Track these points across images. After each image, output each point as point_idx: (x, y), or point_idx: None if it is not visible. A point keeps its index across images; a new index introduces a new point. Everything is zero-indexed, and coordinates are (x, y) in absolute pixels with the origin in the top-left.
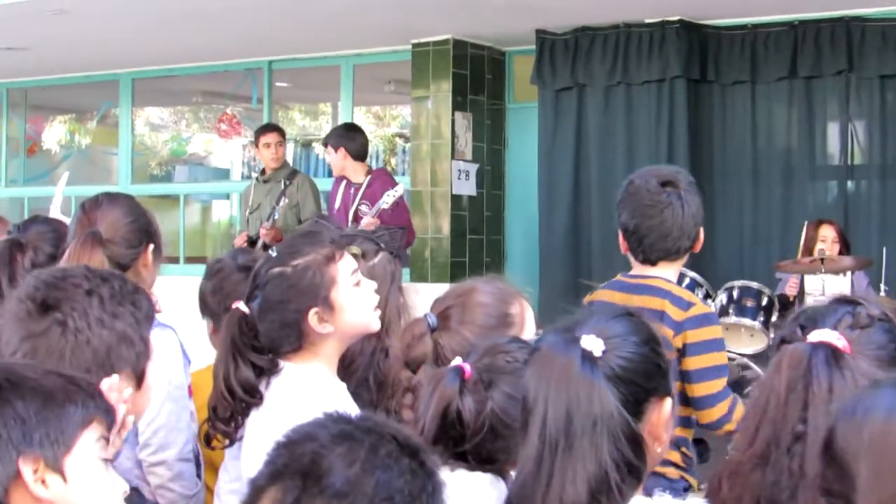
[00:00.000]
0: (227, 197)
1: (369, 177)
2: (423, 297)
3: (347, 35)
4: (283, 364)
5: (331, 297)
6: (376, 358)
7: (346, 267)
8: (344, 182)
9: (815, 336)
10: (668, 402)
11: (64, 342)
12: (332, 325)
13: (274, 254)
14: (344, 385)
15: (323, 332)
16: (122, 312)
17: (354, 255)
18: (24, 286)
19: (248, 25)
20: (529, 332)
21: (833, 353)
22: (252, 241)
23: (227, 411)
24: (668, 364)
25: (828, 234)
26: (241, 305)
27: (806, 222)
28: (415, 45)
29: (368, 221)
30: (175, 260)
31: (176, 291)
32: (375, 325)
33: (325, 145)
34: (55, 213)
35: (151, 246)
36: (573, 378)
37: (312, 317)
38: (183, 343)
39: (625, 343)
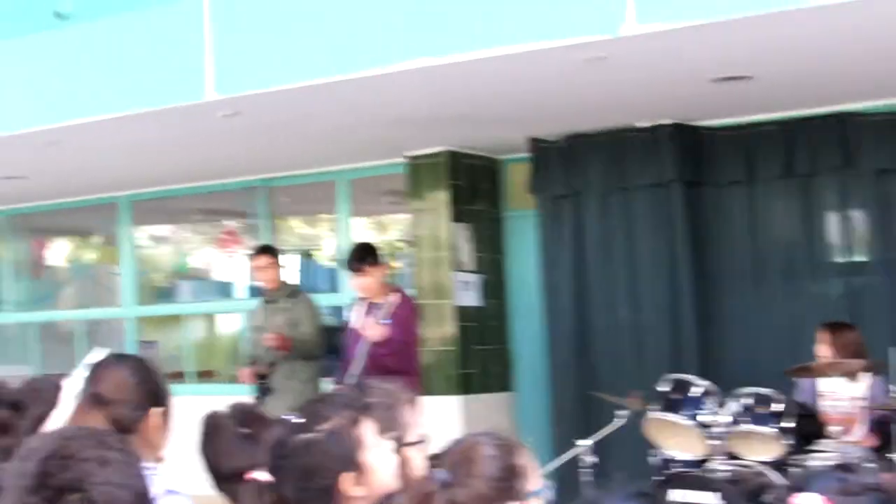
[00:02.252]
0: (233, 312)
1: (388, 297)
2: (433, 411)
3: (342, 151)
4: None
5: (361, 460)
6: None
7: (369, 426)
8: (363, 303)
9: (800, 500)
10: None
11: None
12: (364, 487)
13: (294, 420)
14: None
15: (356, 496)
16: (136, 471)
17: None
18: (24, 468)
19: (243, 146)
20: (535, 482)
21: None
22: (257, 361)
23: None
24: None
25: (821, 339)
26: (259, 475)
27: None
28: (409, 159)
29: (369, 325)
30: (182, 376)
31: (185, 411)
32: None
33: (351, 270)
34: (74, 381)
35: (159, 408)
36: None
37: (346, 482)
38: None
39: None
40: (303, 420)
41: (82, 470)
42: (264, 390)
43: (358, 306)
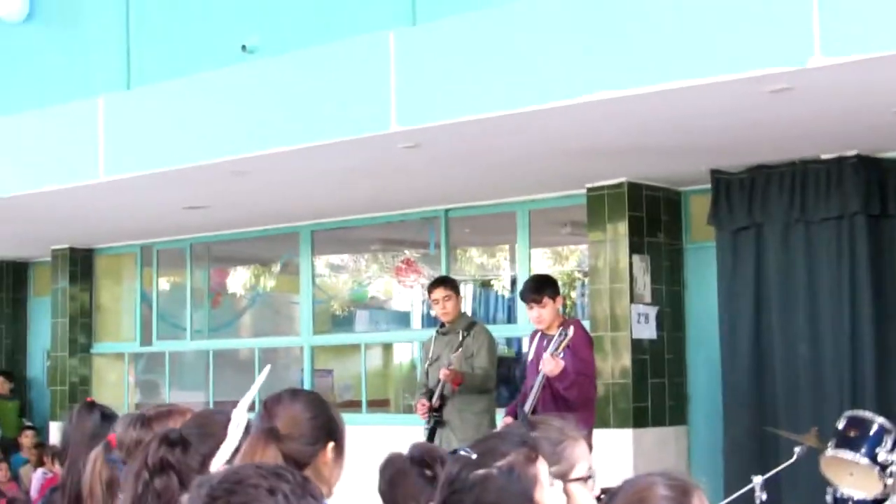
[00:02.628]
0: (409, 341)
1: (561, 328)
2: (605, 443)
3: (521, 182)
4: None
5: (536, 498)
6: None
7: (543, 465)
8: (539, 334)
9: None
10: None
11: None
12: None
13: (468, 455)
14: None
15: None
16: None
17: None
18: (196, 495)
19: (424, 177)
20: None
21: None
22: (431, 393)
23: None
24: None
25: None
26: None
27: None
28: (589, 190)
29: (545, 360)
30: (357, 405)
31: (360, 442)
32: None
33: (530, 301)
34: (241, 412)
35: (332, 444)
36: None
37: None
38: None
39: None
40: (478, 455)
41: (249, 496)
42: (438, 422)
43: (533, 338)
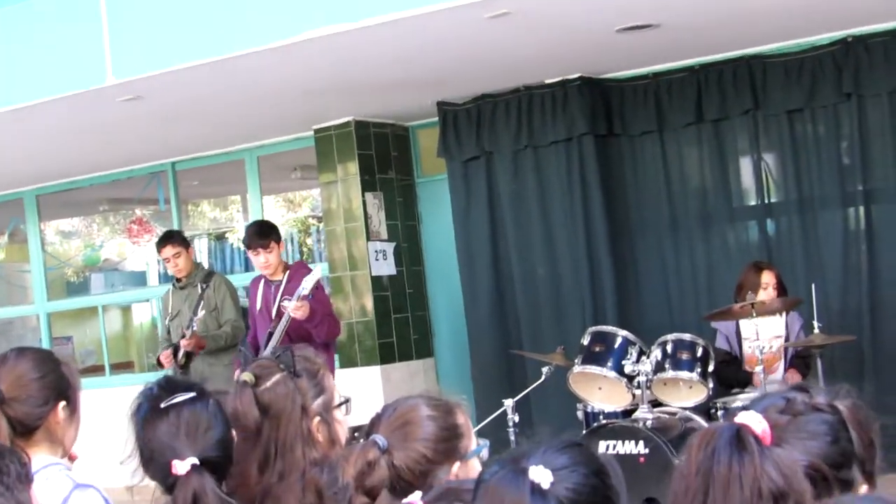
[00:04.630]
0: (147, 300)
1: (288, 272)
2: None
3: (248, 129)
4: None
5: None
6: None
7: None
8: (262, 281)
9: (739, 418)
10: None
11: None
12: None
13: None
14: None
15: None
16: (10, 483)
17: (246, 382)
18: None
19: (147, 131)
20: (472, 441)
21: (737, 435)
22: (175, 348)
23: None
24: (617, 495)
25: (769, 280)
26: None
27: (746, 265)
28: (317, 131)
29: (295, 305)
30: (101, 369)
31: (104, 405)
32: None
33: (256, 247)
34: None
35: (63, 402)
36: None
37: None
38: (109, 500)
39: (573, 474)
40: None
41: None
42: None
43: (256, 285)
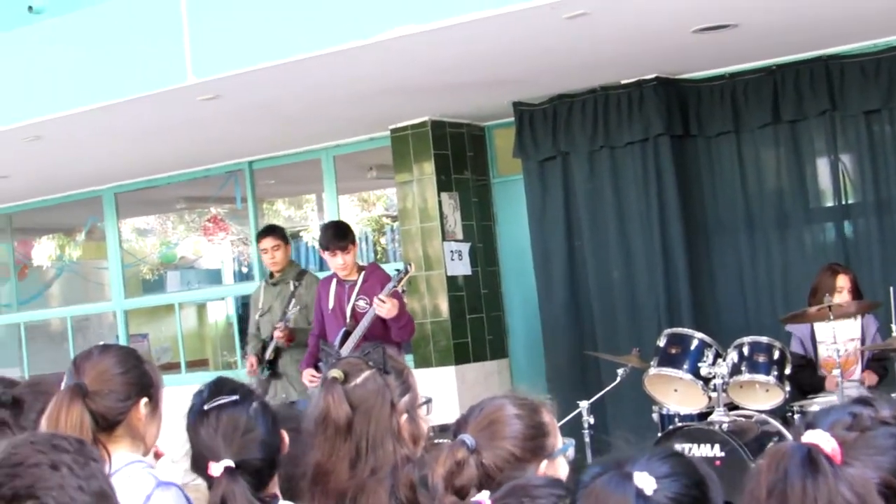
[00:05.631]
0: (222, 298)
1: (363, 273)
2: (429, 382)
3: (325, 128)
4: None
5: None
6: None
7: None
8: (334, 281)
9: (807, 437)
10: None
11: None
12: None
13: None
14: None
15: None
16: (93, 471)
17: (336, 378)
18: None
19: (224, 130)
20: (559, 440)
21: (809, 456)
22: (264, 344)
23: None
24: None
25: (844, 284)
26: None
27: (821, 268)
28: (393, 131)
29: (382, 302)
30: (176, 367)
31: (180, 403)
32: None
33: (334, 249)
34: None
35: (145, 399)
36: None
37: None
38: (190, 498)
39: (675, 483)
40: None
41: (34, 476)
42: (273, 374)
43: (327, 286)
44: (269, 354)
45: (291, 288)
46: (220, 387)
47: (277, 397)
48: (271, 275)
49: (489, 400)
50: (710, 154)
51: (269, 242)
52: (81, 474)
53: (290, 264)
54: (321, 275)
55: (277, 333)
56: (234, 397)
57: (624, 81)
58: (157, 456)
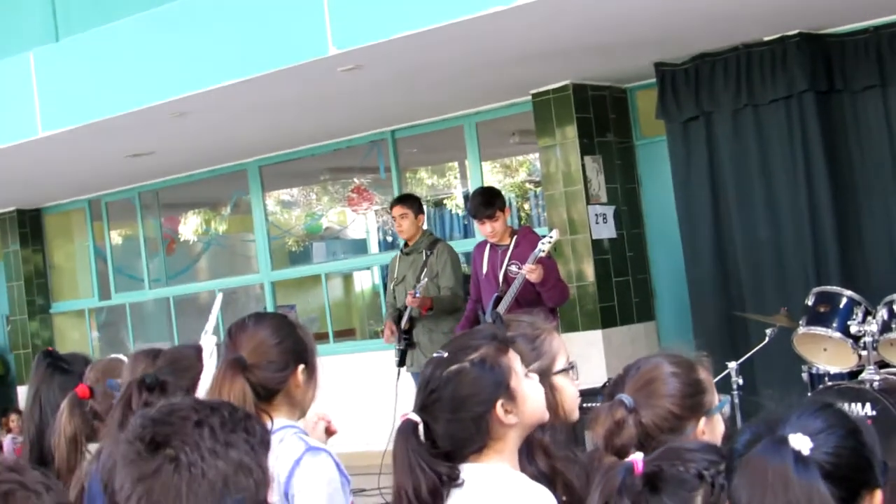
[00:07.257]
0: (368, 268)
1: (515, 237)
2: (576, 346)
3: (466, 95)
4: (463, 468)
5: (512, 386)
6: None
7: (515, 357)
8: (488, 246)
9: None
10: (879, 494)
11: (178, 479)
12: (516, 415)
13: (440, 355)
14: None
15: (509, 424)
16: (235, 440)
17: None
18: (132, 426)
19: (367, 100)
20: (715, 396)
21: None
22: (399, 313)
23: None
24: (873, 455)
25: None
26: (412, 415)
27: None
28: (534, 95)
29: (530, 268)
30: (324, 336)
31: (328, 372)
32: (547, 415)
33: (482, 218)
34: (207, 339)
35: (302, 366)
36: (791, 484)
37: (499, 409)
38: (340, 464)
39: (831, 437)
40: (449, 353)
41: (174, 427)
42: (409, 344)
43: (481, 251)
44: (404, 324)
45: (423, 257)
46: None
47: (415, 366)
48: (406, 244)
49: (644, 359)
50: (855, 109)
51: (397, 211)
52: (221, 439)
53: (423, 233)
54: (462, 243)
55: (410, 299)
56: None
57: (766, 38)
58: (331, 433)
